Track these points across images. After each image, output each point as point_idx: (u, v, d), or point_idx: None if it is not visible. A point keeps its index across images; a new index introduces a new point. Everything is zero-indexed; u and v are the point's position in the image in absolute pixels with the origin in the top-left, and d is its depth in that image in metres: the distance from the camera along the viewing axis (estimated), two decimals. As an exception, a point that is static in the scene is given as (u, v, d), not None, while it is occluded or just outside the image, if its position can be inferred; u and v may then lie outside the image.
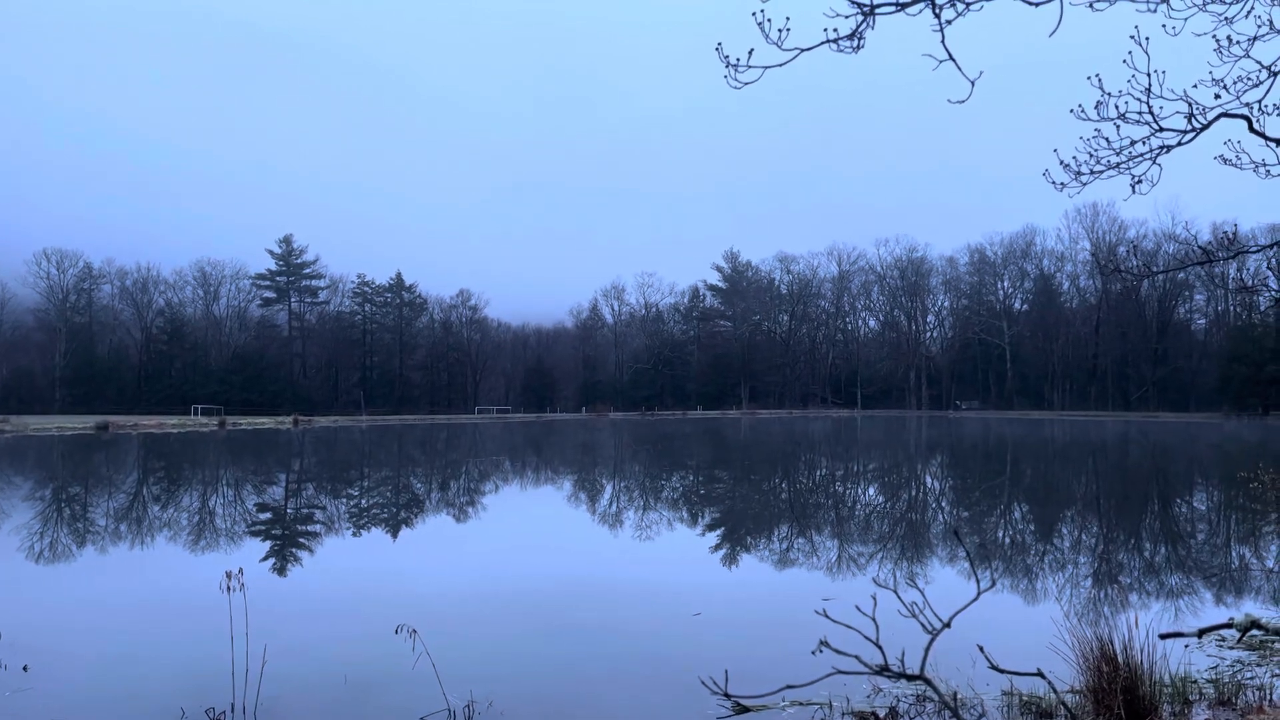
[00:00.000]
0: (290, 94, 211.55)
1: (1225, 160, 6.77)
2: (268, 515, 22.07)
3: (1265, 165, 6.62)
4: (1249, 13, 6.12)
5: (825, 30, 5.67)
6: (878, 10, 5.62)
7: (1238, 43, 6.25)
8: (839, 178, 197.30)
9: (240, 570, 7.09)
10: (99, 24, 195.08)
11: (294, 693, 7.91)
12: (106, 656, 9.37)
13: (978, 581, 7.26)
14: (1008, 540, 17.80)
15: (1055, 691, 6.54)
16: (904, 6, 5.63)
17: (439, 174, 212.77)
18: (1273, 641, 8.73)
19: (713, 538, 18.43)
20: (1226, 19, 6.15)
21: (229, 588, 6.91)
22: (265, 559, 15.53)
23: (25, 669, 8.48)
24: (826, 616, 6.78)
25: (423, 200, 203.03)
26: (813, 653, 6.51)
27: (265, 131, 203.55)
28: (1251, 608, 11.06)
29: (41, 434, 63.38)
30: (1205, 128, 6.51)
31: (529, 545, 17.62)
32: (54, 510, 22.65)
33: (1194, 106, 6.42)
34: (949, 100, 6.04)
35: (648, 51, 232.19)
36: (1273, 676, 7.81)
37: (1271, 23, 6.15)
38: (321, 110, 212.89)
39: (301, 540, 17.91)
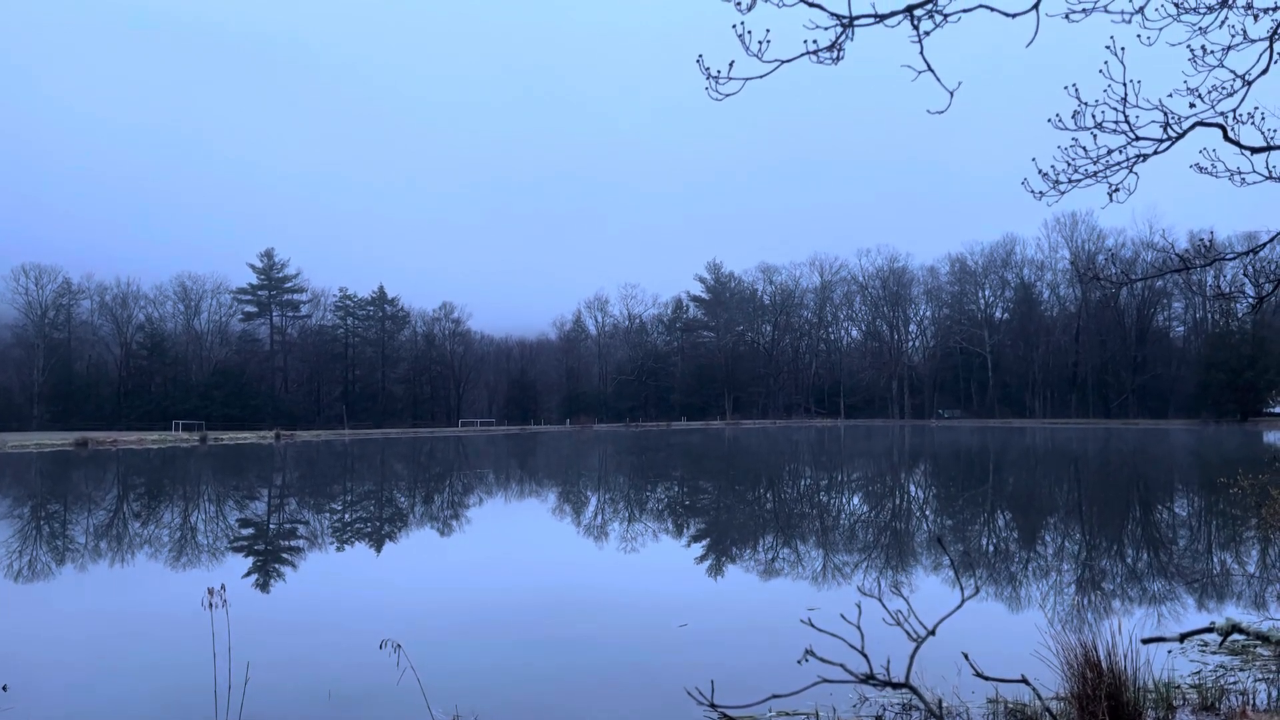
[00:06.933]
0: (271, 107, 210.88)
1: (1201, 169, 6.83)
2: (250, 531, 21.91)
3: (1240, 173, 6.69)
4: (1223, 23, 6.20)
5: (805, 42, 5.70)
6: (856, 22, 5.65)
7: (1212, 52, 6.32)
8: (820, 188, 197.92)
9: (223, 586, 7.03)
10: (76, 32, 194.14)
11: (277, 709, 7.85)
12: (87, 675, 9.27)
13: (961, 589, 7.28)
14: (991, 548, 17.86)
15: (1040, 698, 6.56)
16: (883, 18, 5.67)
17: (422, 186, 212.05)
18: (1254, 646, 8.79)
19: (698, 549, 18.42)
20: (1201, 29, 6.23)
21: (211, 604, 6.85)
22: (248, 575, 15.42)
23: (4, 689, 8.39)
24: (812, 625, 6.79)
25: (405, 213, 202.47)
26: (798, 662, 6.51)
27: (246, 144, 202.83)
28: (1233, 612, 11.14)
29: (20, 451, 62.75)
30: (1181, 136, 6.58)
31: (514, 558, 17.56)
32: (33, 528, 22.42)
33: (1169, 115, 6.48)
34: (928, 111, 6.07)
35: (628, 61, 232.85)
36: (1255, 681, 7.86)
37: (1245, 32, 6.23)
38: (303, 124, 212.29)
39: (284, 556, 17.79)
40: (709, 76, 5.79)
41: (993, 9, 5.72)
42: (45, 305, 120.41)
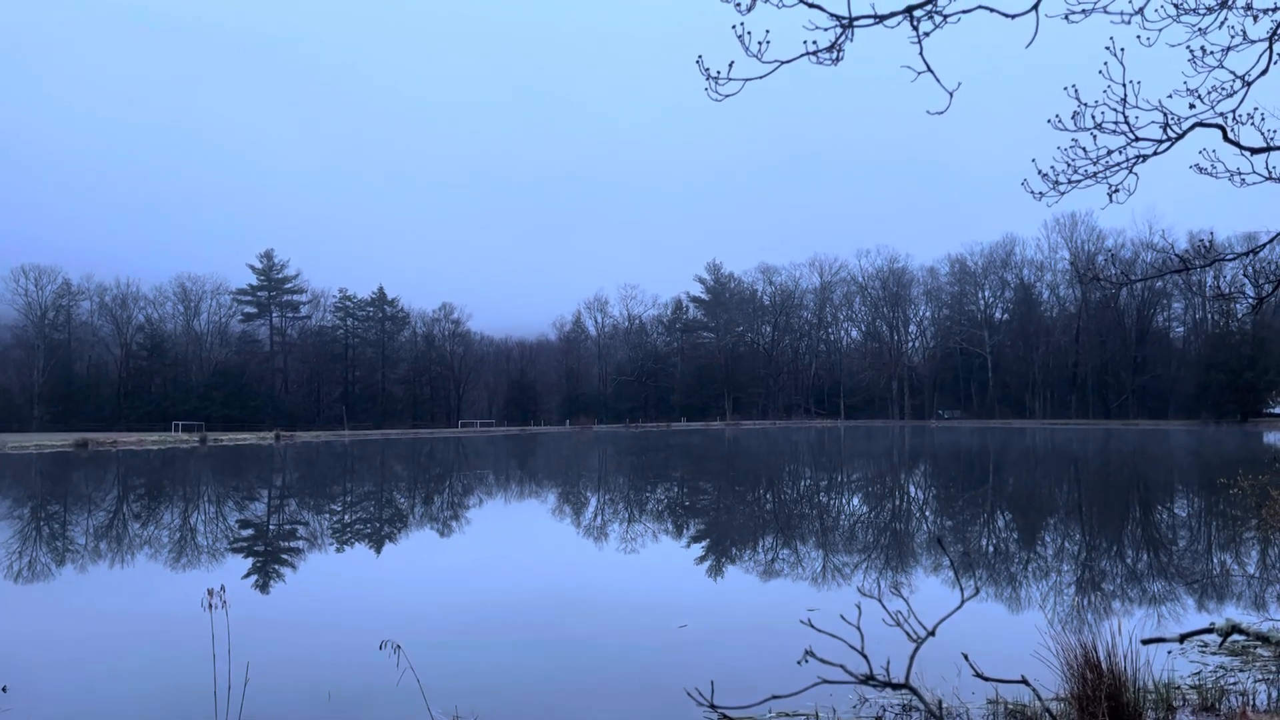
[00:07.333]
0: (271, 106, 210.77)
1: (1201, 169, 6.83)
2: (250, 532, 21.91)
3: (1240, 174, 6.69)
4: (1222, 24, 6.20)
5: (805, 43, 5.70)
6: (856, 23, 5.65)
7: (1211, 53, 6.33)
8: (820, 188, 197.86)
9: (222, 588, 7.03)
10: (76, 31, 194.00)
11: (277, 710, 7.85)
12: (87, 676, 9.27)
13: (961, 590, 7.28)
14: (991, 548, 17.86)
15: (1040, 699, 6.56)
16: (882, 19, 5.67)
17: (422, 187, 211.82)
18: (1254, 646, 8.79)
19: (698, 549, 18.42)
20: (1200, 30, 6.23)
21: (211, 605, 6.85)
22: (248, 576, 15.41)
23: (4, 690, 8.39)
24: (812, 626, 6.79)
25: (405, 213, 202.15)
26: (798, 663, 6.51)
27: (246, 144, 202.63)
28: (1233, 613, 11.14)
29: (20, 452, 62.74)
30: (1180, 137, 6.58)
31: (514, 558, 17.56)
32: (33, 529, 22.42)
33: (1169, 116, 6.49)
34: (928, 111, 6.07)
35: (628, 61, 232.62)
36: (1255, 682, 7.86)
37: (1245, 33, 6.23)
38: (303, 124, 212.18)
39: (284, 556, 17.79)
40: (709, 77, 5.79)
41: (993, 9, 5.72)
42: (45, 306, 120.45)
